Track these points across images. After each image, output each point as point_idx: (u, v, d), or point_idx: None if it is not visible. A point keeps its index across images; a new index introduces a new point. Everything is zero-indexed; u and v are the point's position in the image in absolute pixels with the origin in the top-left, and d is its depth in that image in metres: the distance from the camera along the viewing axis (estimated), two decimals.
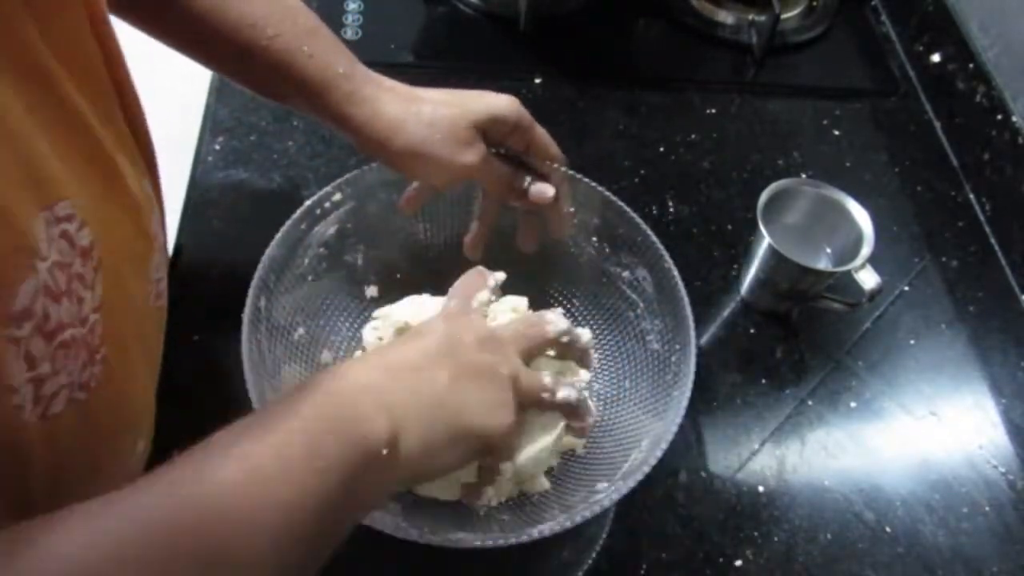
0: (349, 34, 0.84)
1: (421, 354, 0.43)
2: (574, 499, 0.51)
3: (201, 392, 0.58)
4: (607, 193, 0.58)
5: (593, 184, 0.58)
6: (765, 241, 0.64)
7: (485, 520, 0.52)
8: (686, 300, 0.53)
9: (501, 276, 0.54)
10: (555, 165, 0.57)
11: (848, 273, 0.63)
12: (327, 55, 0.54)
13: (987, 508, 0.60)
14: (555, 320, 0.50)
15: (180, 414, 0.55)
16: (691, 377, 0.50)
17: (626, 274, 0.59)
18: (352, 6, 0.87)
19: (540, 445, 0.50)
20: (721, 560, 0.56)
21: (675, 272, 0.55)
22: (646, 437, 0.51)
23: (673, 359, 0.54)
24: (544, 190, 0.56)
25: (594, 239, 0.60)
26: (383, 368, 0.41)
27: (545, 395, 0.47)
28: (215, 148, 0.74)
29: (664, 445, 0.47)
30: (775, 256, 0.64)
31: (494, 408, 0.44)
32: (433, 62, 0.85)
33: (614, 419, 0.56)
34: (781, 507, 0.59)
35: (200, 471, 0.33)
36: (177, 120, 0.85)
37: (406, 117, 0.53)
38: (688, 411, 0.62)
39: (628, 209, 0.57)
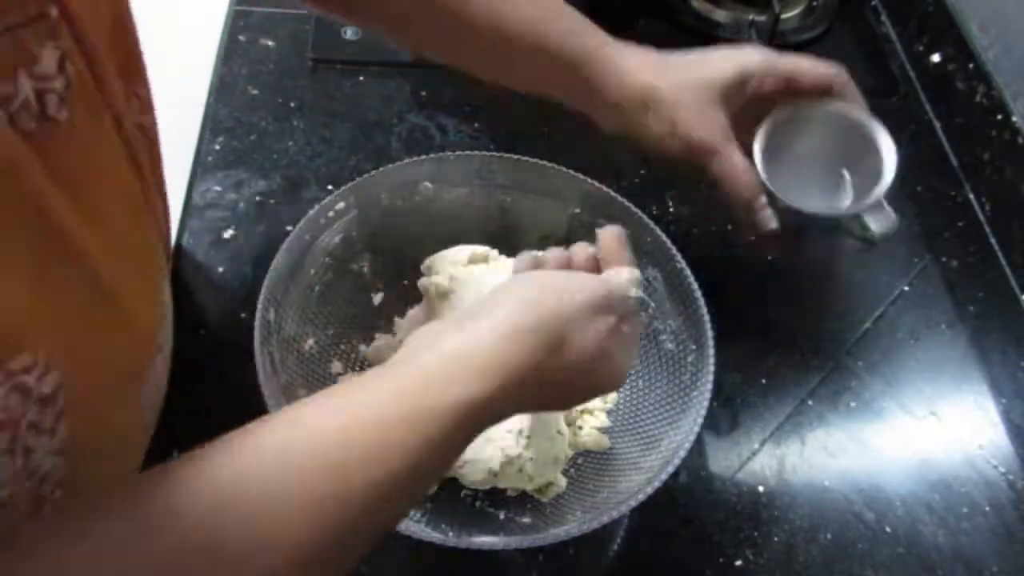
0: (349, 34, 0.84)
1: (563, 329, 0.40)
2: (594, 500, 0.51)
3: (202, 391, 0.58)
4: (613, 193, 0.58)
5: (598, 184, 0.58)
6: (761, 177, 0.55)
7: (506, 522, 0.52)
8: (701, 300, 0.54)
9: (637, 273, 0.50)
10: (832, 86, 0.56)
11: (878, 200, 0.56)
12: (575, 27, 0.56)
13: (987, 508, 0.60)
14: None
15: (182, 413, 0.55)
16: (710, 378, 0.50)
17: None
18: None
19: (549, 438, 0.50)
20: (721, 560, 0.56)
21: (688, 272, 0.55)
22: (665, 438, 0.52)
23: (689, 359, 0.54)
24: (767, 220, 0.55)
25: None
26: (506, 377, 0.38)
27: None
28: (215, 148, 0.74)
29: (687, 445, 0.48)
30: (769, 196, 0.56)
31: (623, 372, 0.44)
32: (433, 62, 0.85)
33: (631, 420, 0.57)
34: (781, 507, 0.59)
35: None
36: (177, 120, 0.85)
37: (654, 92, 0.54)
38: None
39: (635, 208, 0.57)
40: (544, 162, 0.59)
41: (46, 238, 0.34)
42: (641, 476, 0.50)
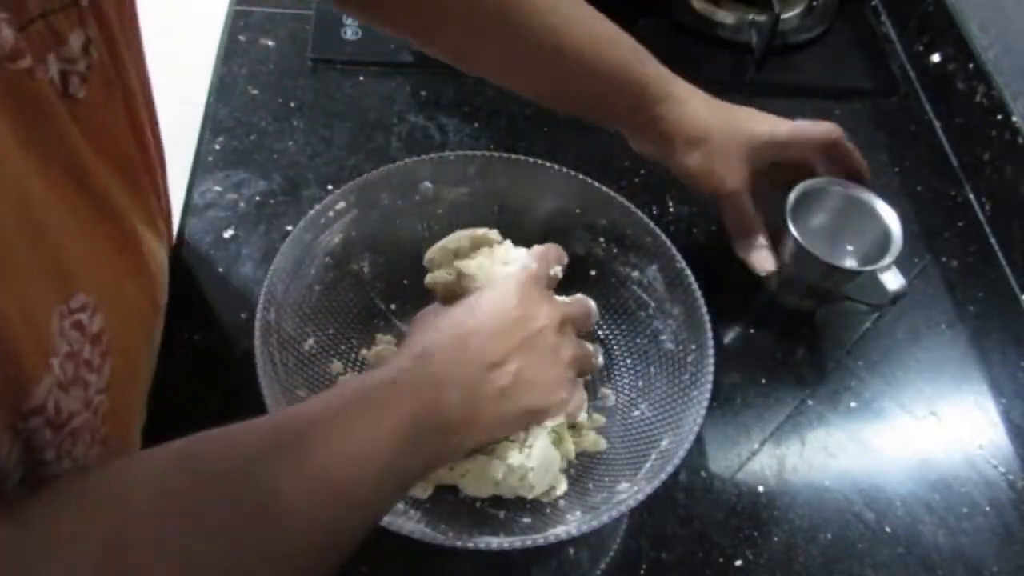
0: (349, 34, 0.84)
1: (496, 349, 0.47)
2: (594, 500, 0.51)
3: (199, 392, 0.58)
4: (612, 193, 0.58)
5: (598, 184, 0.58)
6: (792, 238, 0.64)
7: (506, 522, 0.52)
8: (701, 300, 0.54)
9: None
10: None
11: (873, 273, 0.63)
12: (633, 56, 0.60)
13: (987, 508, 0.60)
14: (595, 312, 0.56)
15: (178, 414, 0.55)
16: (710, 377, 0.50)
17: (636, 274, 0.59)
18: None
19: (543, 444, 0.50)
20: (721, 560, 0.56)
21: (688, 272, 0.55)
22: (665, 437, 0.51)
23: (689, 359, 0.54)
24: (764, 262, 0.63)
25: (601, 239, 0.60)
26: (460, 358, 0.46)
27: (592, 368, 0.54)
28: (215, 148, 0.74)
29: (687, 445, 0.48)
30: (802, 253, 0.63)
31: (553, 387, 0.49)
32: (433, 62, 0.84)
33: (630, 420, 0.56)
34: (781, 507, 0.59)
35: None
36: (177, 120, 0.85)
37: (706, 138, 0.60)
38: None
39: (635, 208, 0.57)
40: (544, 162, 0.59)
41: (84, 192, 0.37)
42: (641, 476, 0.50)
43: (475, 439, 0.46)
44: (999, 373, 0.68)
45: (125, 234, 0.42)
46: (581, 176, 0.59)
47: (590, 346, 0.54)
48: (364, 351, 0.59)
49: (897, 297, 0.63)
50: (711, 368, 0.51)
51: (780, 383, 0.65)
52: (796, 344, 0.68)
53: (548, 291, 0.53)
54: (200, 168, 0.72)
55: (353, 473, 0.36)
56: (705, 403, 0.50)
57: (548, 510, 0.52)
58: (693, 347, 0.54)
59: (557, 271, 0.54)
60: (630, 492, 0.48)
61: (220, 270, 0.66)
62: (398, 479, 0.40)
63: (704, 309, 0.54)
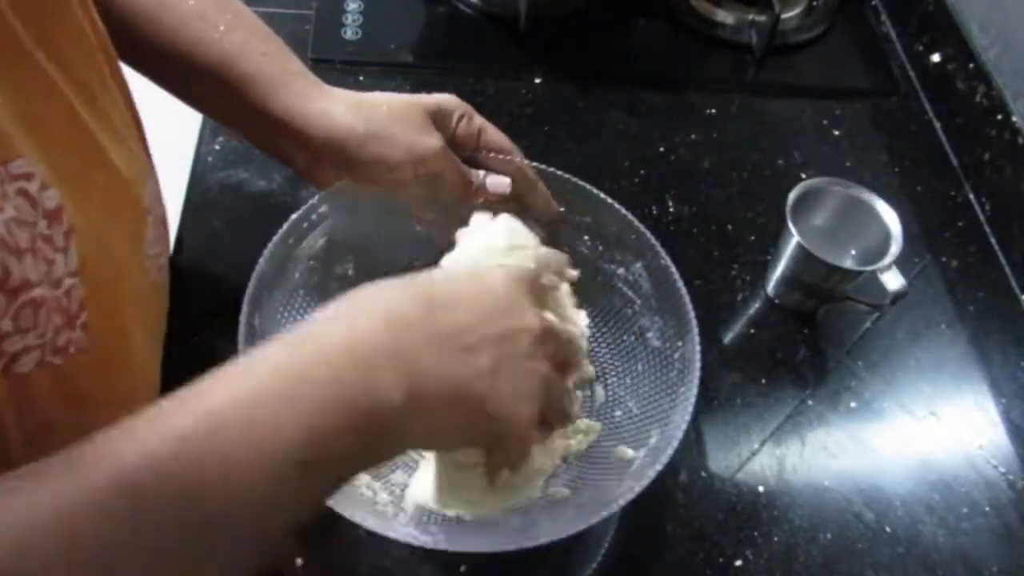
0: (349, 34, 0.84)
1: (473, 329, 0.39)
2: (583, 499, 0.51)
3: None
4: (597, 191, 0.57)
5: (583, 183, 0.58)
6: (793, 239, 0.64)
7: (495, 525, 0.51)
8: (686, 296, 0.53)
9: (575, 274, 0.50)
10: (507, 157, 0.57)
11: (873, 274, 0.63)
12: (281, 55, 0.54)
13: (987, 508, 0.60)
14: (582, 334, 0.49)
15: None
16: (697, 374, 0.50)
17: (621, 271, 0.58)
18: (352, 6, 0.87)
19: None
20: (721, 560, 0.56)
21: (673, 268, 0.54)
22: (653, 435, 0.51)
23: (676, 356, 0.54)
24: (500, 180, 0.56)
25: (586, 237, 0.59)
26: (427, 330, 0.38)
27: (566, 417, 0.45)
28: (215, 148, 0.74)
29: (675, 443, 0.47)
30: (802, 253, 0.64)
31: (519, 399, 0.41)
32: (433, 62, 0.85)
33: (618, 418, 0.56)
34: (781, 507, 0.59)
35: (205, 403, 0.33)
36: (177, 120, 0.85)
37: (362, 105, 0.53)
38: None
39: (619, 205, 0.57)
40: (529, 162, 0.58)
41: (18, 63, 0.36)
42: (631, 475, 0.50)
43: (418, 436, 0.39)
44: (999, 373, 0.68)
45: (70, 120, 0.40)
46: (565, 174, 0.58)
47: (569, 384, 0.46)
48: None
49: (897, 297, 0.63)
50: (698, 364, 0.51)
51: (780, 383, 0.65)
52: (796, 344, 0.68)
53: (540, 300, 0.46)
54: (200, 168, 0.72)
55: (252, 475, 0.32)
56: (693, 399, 0.49)
57: (539, 511, 0.52)
58: (680, 343, 0.54)
59: (554, 281, 0.48)
60: (620, 491, 0.48)
61: (219, 270, 0.66)
62: (314, 471, 0.34)
63: (689, 305, 0.53)
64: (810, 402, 0.65)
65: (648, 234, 0.56)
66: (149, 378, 0.48)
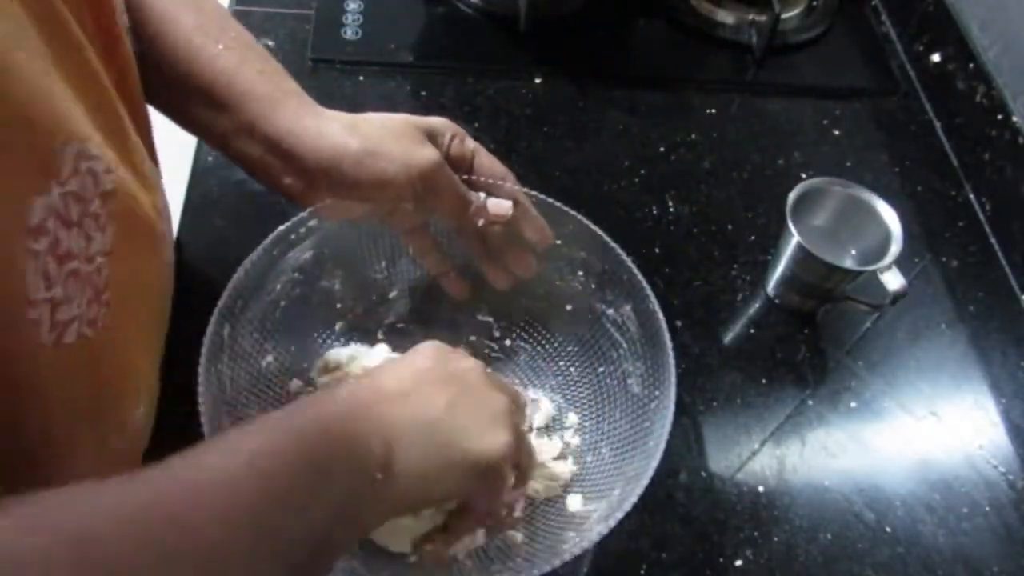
0: (349, 34, 0.84)
1: (416, 377, 0.43)
2: (540, 546, 0.50)
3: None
4: (593, 226, 0.56)
5: (580, 217, 0.56)
6: (793, 239, 0.64)
7: (448, 570, 0.49)
8: (669, 346, 0.51)
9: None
10: (501, 182, 0.55)
11: (873, 274, 0.63)
12: (276, 75, 0.53)
13: (987, 508, 0.60)
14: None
15: (179, 413, 0.55)
16: (667, 428, 0.47)
17: (611, 312, 0.57)
18: (352, 6, 0.87)
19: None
20: (721, 560, 0.56)
21: (660, 315, 0.52)
22: (617, 487, 0.49)
23: (652, 405, 0.52)
24: (501, 203, 0.55)
25: (580, 272, 0.58)
26: (376, 392, 0.41)
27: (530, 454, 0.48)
28: None
29: (633, 498, 0.44)
30: (803, 253, 0.64)
31: (490, 429, 0.43)
32: (433, 62, 0.85)
33: (588, 463, 0.55)
34: (781, 507, 0.59)
35: (195, 460, 0.34)
36: None
37: (356, 123, 0.52)
38: (688, 411, 0.62)
39: (614, 244, 0.55)
40: (526, 189, 0.57)
41: (80, 69, 0.38)
42: (587, 526, 0.48)
43: (408, 492, 0.40)
44: (999, 373, 0.68)
45: (118, 120, 0.42)
46: (563, 206, 0.56)
47: (524, 395, 0.49)
48: (322, 376, 0.56)
49: (897, 297, 0.63)
50: (669, 418, 0.48)
51: (780, 383, 0.65)
52: (796, 344, 0.68)
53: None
54: (200, 168, 0.72)
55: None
56: (658, 456, 0.46)
57: (492, 554, 0.50)
58: (657, 394, 0.51)
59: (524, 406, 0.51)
60: (573, 541, 0.46)
61: (219, 271, 0.66)
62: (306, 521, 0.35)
63: (671, 356, 0.50)
64: (810, 402, 0.65)
65: (639, 276, 0.54)
66: (150, 371, 0.49)
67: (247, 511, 0.33)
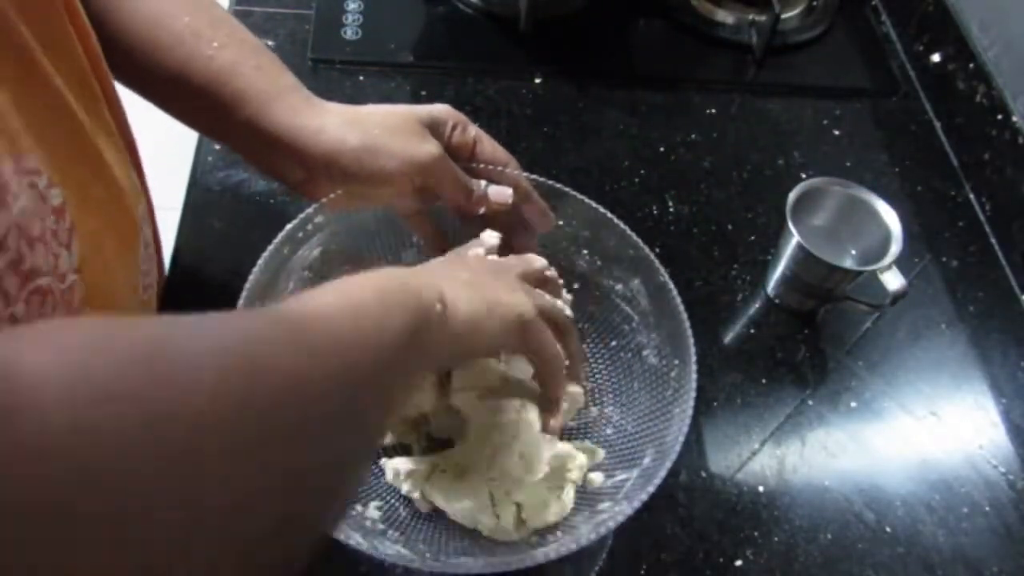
0: (349, 34, 0.84)
1: (439, 262, 0.49)
2: (575, 520, 0.50)
3: None
4: (596, 205, 0.57)
5: (581, 197, 0.57)
6: (794, 239, 0.64)
7: (487, 545, 0.51)
8: (684, 314, 0.52)
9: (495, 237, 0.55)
10: (503, 168, 0.56)
11: (873, 273, 0.63)
12: (273, 70, 0.53)
13: (987, 508, 0.60)
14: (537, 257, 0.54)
15: None
16: (692, 393, 0.49)
17: (619, 287, 0.57)
18: (352, 6, 0.87)
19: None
20: (721, 560, 0.56)
21: (671, 285, 0.53)
22: (647, 455, 0.50)
23: (672, 374, 0.53)
24: (503, 191, 0.55)
25: (584, 251, 0.59)
26: (412, 270, 0.45)
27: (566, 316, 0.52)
28: (215, 148, 0.74)
29: (668, 463, 0.46)
30: (803, 253, 0.64)
31: (509, 290, 0.47)
32: (433, 62, 0.85)
33: (609, 436, 0.55)
34: (781, 507, 0.59)
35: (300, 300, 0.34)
36: (177, 120, 0.85)
37: (355, 119, 0.52)
38: None
39: (619, 221, 0.56)
40: (527, 174, 0.58)
41: (23, 65, 0.37)
42: (622, 495, 0.49)
43: (461, 330, 0.43)
44: (999, 373, 0.68)
45: (73, 126, 0.41)
46: (563, 187, 0.57)
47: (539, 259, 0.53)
48: None
49: (897, 297, 0.63)
50: (694, 384, 0.49)
51: (780, 383, 0.65)
52: (796, 344, 0.68)
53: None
54: (200, 168, 0.72)
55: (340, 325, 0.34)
56: (688, 419, 0.48)
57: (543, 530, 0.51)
58: (676, 362, 0.53)
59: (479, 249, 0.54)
60: (611, 512, 0.47)
61: (220, 270, 0.66)
62: (391, 346, 0.36)
63: (687, 324, 0.52)
64: (810, 402, 0.65)
65: (647, 249, 0.55)
66: None
67: (338, 337, 0.33)
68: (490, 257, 0.53)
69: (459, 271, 0.48)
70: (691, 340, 0.51)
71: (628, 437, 0.54)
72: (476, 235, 0.57)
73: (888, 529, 0.59)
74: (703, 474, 0.60)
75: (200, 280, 0.66)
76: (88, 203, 0.41)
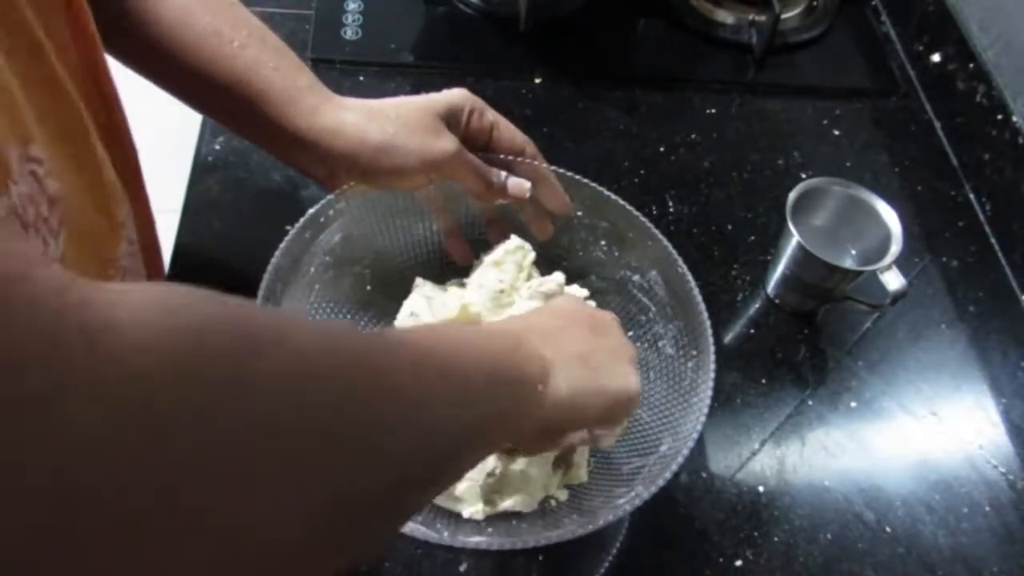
0: (349, 34, 0.84)
1: (564, 317, 0.46)
2: (591, 504, 0.51)
3: None
4: (615, 197, 0.58)
5: (597, 187, 0.58)
6: (793, 239, 0.64)
7: (502, 525, 0.52)
8: (702, 305, 0.53)
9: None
10: (520, 159, 0.57)
11: (873, 273, 0.63)
12: (292, 70, 0.54)
13: (987, 508, 0.60)
14: None
15: None
16: (710, 383, 0.50)
17: (636, 278, 0.58)
18: (352, 6, 0.87)
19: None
20: (721, 560, 0.56)
21: (689, 276, 0.54)
22: (664, 443, 0.51)
23: (690, 365, 0.54)
24: (521, 184, 0.57)
25: (603, 242, 0.60)
26: (529, 328, 0.44)
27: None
28: (215, 148, 0.74)
29: (686, 450, 0.47)
30: (802, 253, 0.64)
31: (629, 371, 0.46)
32: (433, 62, 0.85)
33: (630, 424, 0.56)
34: (781, 507, 0.59)
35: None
36: (177, 120, 0.85)
37: (372, 116, 0.54)
38: None
39: (635, 211, 0.57)
40: (545, 164, 0.59)
41: (29, 52, 0.37)
42: (639, 481, 0.50)
43: (560, 408, 0.42)
44: (999, 373, 0.68)
45: (73, 121, 0.42)
46: (582, 178, 0.58)
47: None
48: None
49: (897, 297, 0.63)
50: (712, 374, 0.50)
51: (780, 383, 0.65)
52: (796, 344, 0.68)
53: None
54: (200, 168, 0.72)
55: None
56: (705, 409, 0.49)
57: (546, 515, 0.52)
58: (694, 352, 0.54)
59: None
60: (628, 497, 0.48)
61: (220, 270, 0.66)
62: (477, 410, 0.36)
63: (705, 314, 0.53)
64: (810, 402, 0.65)
65: (665, 241, 0.56)
66: None
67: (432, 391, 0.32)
68: (590, 303, 0.55)
69: (574, 337, 0.45)
70: (709, 331, 0.52)
71: (644, 426, 0.55)
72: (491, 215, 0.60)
73: (888, 529, 0.59)
74: (703, 474, 0.60)
75: (200, 280, 0.66)
76: (77, 192, 0.41)
